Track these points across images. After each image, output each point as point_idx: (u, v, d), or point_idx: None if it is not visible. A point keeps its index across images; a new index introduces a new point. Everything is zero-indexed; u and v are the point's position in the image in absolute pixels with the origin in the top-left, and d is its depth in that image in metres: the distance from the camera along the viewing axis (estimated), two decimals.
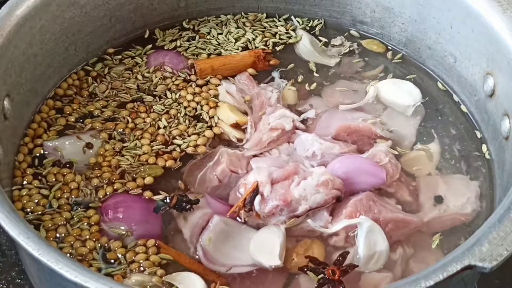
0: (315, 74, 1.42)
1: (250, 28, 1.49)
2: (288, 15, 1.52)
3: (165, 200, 1.18)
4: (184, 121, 1.31)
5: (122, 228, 1.15)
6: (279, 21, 1.51)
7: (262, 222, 1.16)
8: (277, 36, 1.48)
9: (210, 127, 1.30)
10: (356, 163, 1.21)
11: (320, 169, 1.17)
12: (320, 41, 1.47)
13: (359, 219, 1.12)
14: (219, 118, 1.32)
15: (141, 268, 1.11)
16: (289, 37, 1.48)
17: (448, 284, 0.91)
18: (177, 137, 1.28)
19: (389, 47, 1.48)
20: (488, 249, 0.93)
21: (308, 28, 1.50)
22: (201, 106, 1.33)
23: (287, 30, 1.49)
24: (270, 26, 1.50)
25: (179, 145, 1.27)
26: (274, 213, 1.14)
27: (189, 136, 1.29)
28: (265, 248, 1.11)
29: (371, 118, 1.30)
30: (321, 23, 1.51)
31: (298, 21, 1.51)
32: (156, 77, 1.38)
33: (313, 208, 1.15)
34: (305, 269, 1.08)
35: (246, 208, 1.14)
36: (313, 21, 1.51)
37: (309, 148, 1.24)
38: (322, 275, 1.07)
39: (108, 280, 0.91)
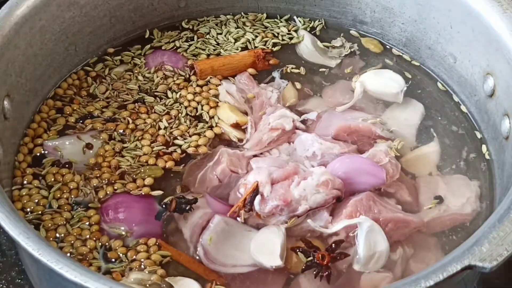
0: (315, 74, 1.42)
1: (250, 28, 1.49)
2: (288, 15, 1.52)
3: (163, 206, 1.18)
4: (185, 122, 1.31)
5: (122, 228, 1.15)
6: (281, 21, 1.51)
7: (262, 222, 1.16)
8: (280, 37, 1.48)
9: (211, 127, 1.30)
10: (356, 163, 1.21)
11: (320, 169, 1.17)
12: (322, 42, 1.47)
13: (359, 219, 1.12)
14: (219, 118, 1.32)
15: (142, 267, 1.11)
16: (291, 38, 1.48)
17: (448, 284, 0.91)
18: (178, 138, 1.28)
19: (387, 46, 1.48)
20: (488, 249, 0.93)
21: (309, 29, 1.50)
22: (202, 106, 1.33)
23: (289, 30, 1.49)
24: (272, 27, 1.50)
25: (180, 146, 1.27)
26: (274, 213, 1.14)
27: (190, 136, 1.29)
28: (265, 248, 1.11)
29: (371, 118, 1.30)
30: (322, 23, 1.51)
31: (300, 21, 1.51)
32: (157, 76, 1.38)
33: (313, 208, 1.15)
34: (297, 250, 1.10)
35: (246, 208, 1.14)
36: (314, 21, 1.51)
37: (309, 148, 1.24)
38: (311, 258, 1.09)
39: (108, 280, 0.91)
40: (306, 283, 1.10)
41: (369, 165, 1.20)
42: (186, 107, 1.33)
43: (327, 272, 1.08)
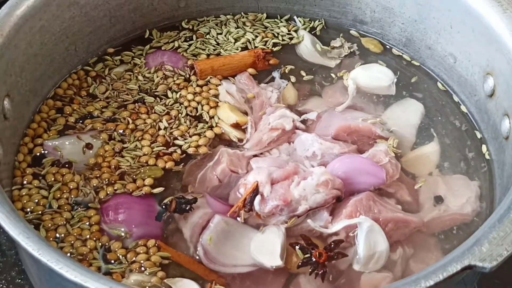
0: (315, 74, 1.42)
1: (250, 28, 1.49)
2: (288, 15, 1.52)
3: (163, 207, 1.18)
4: (185, 122, 1.31)
5: (122, 229, 1.15)
6: (281, 21, 1.51)
7: (262, 222, 1.16)
8: (280, 37, 1.48)
9: (211, 127, 1.30)
10: (356, 163, 1.21)
11: (320, 169, 1.17)
12: (321, 41, 1.47)
13: (359, 219, 1.12)
14: (219, 118, 1.32)
15: (142, 268, 1.11)
16: (291, 38, 1.48)
17: (448, 284, 0.91)
18: (178, 138, 1.28)
19: (387, 46, 1.48)
20: (488, 249, 0.93)
21: (308, 29, 1.50)
22: (202, 106, 1.33)
23: (289, 30, 1.49)
24: (272, 27, 1.50)
25: (180, 146, 1.27)
26: (274, 213, 1.15)
27: (190, 136, 1.29)
28: (266, 248, 1.11)
29: (371, 118, 1.30)
30: (322, 23, 1.51)
31: (300, 21, 1.51)
32: (157, 76, 1.38)
33: (313, 208, 1.15)
34: (295, 246, 1.10)
35: (246, 208, 1.14)
36: (314, 21, 1.51)
37: (309, 148, 1.24)
38: (309, 255, 1.09)
39: (108, 280, 0.91)
40: (306, 283, 1.10)
41: (369, 165, 1.20)
42: (186, 107, 1.33)
43: (322, 271, 1.08)
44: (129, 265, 1.11)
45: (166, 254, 1.12)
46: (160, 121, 1.31)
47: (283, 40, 1.47)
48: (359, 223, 1.12)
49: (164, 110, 1.32)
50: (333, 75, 1.41)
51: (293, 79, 1.40)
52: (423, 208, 1.21)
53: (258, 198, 1.14)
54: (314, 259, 1.09)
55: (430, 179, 1.25)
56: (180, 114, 1.32)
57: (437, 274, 0.90)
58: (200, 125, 1.31)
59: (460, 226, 1.20)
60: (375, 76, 1.37)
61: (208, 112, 1.32)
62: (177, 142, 1.28)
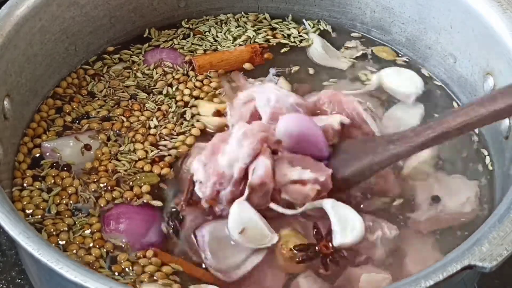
0: (325, 76, 1.41)
1: (251, 27, 1.49)
2: (289, 15, 1.52)
3: (166, 220, 1.16)
4: (173, 118, 1.30)
5: (123, 240, 1.14)
6: (290, 23, 1.51)
7: (222, 206, 1.11)
8: (291, 38, 1.47)
9: (193, 125, 1.29)
10: (303, 127, 1.13)
11: (236, 126, 1.12)
12: (331, 44, 1.47)
13: (321, 201, 1.10)
14: (200, 114, 1.31)
15: (155, 278, 1.09)
16: (301, 40, 1.47)
17: (448, 284, 0.91)
18: (166, 138, 1.27)
19: (394, 49, 1.47)
20: (488, 249, 0.93)
21: (318, 32, 1.49)
22: (200, 99, 1.33)
23: (299, 32, 1.49)
24: (282, 28, 1.49)
25: (169, 148, 1.25)
26: (219, 191, 1.10)
27: (177, 135, 1.28)
28: (251, 231, 1.09)
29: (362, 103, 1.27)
30: (330, 25, 1.50)
31: (309, 24, 1.50)
32: (157, 73, 1.38)
33: (250, 162, 1.09)
34: (296, 248, 1.09)
35: (189, 200, 1.12)
36: (324, 24, 1.50)
37: (269, 95, 1.18)
38: (312, 252, 1.09)
39: (108, 280, 0.91)
40: (306, 284, 1.10)
41: (317, 137, 1.14)
42: (176, 102, 1.33)
43: (326, 260, 1.08)
44: (137, 277, 1.09)
45: (177, 267, 1.10)
46: (151, 119, 1.30)
47: (293, 42, 1.47)
48: (323, 205, 1.10)
49: (155, 107, 1.32)
50: (349, 76, 1.41)
51: (301, 80, 1.39)
52: (420, 208, 1.20)
53: (197, 185, 1.10)
54: (313, 252, 1.08)
55: (428, 179, 1.25)
56: (170, 109, 1.32)
57: (437, 274, 0.90)
58: (185, 123, 1.30)
59: (460, 226, 1.20)
60: (403, 82, 1.36)
61: (191, 110, 1.31)
62: (163, 143, 1.26)
